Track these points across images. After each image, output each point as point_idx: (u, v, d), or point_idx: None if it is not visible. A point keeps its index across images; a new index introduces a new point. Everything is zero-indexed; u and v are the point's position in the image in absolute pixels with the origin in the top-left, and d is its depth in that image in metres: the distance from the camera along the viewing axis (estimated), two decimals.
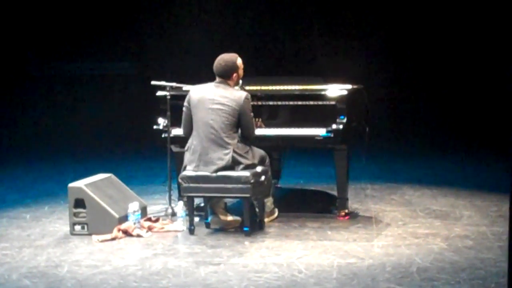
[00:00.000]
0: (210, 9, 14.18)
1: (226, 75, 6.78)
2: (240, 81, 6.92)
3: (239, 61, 6.85)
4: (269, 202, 7.14)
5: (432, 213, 7.45)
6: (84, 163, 10.52)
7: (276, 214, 7.27)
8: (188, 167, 6.75)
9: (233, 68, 6.80)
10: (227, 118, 6.66)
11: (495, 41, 12.97)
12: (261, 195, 6.86)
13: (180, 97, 7.08)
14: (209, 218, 6.96)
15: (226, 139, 6.65)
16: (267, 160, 6.96)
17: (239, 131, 6.76)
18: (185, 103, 6.86)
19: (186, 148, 6.85)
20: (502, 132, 7.27)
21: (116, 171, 7.76)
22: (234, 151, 6.64)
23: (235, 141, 6.69)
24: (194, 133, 6.78)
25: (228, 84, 6.79)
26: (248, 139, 6.80)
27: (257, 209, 6.89)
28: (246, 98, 6.72)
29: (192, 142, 6.79)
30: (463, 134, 12.92)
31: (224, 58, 6.81)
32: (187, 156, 6.80)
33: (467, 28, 13.45)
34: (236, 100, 6.68)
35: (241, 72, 6.88)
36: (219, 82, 6.80)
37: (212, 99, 6.70)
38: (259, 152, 6.88)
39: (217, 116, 6.66)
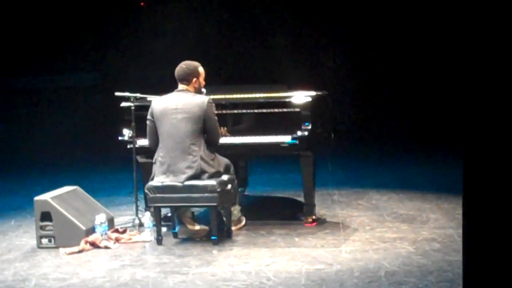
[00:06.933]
0: (173, 19, 14.17)
1: (187, 79, 6.76)
2: (204, 90, 6.91)
3: (201, 69, 6.84)
4: (236, 210, 7.13)
5: (399, 217, 7.49)
6: (49, 176, 10.47)
7: (243, 222, 7.27)
8: (156, 179, 6.72)
9: (194, 72, 6.78)
10: (193, 125, 6.62)
11: (455, 46, 13.09)
12: (228, 203, 6.85)
13: (144, 108, 7.04)
14: (177, 228, 6.94)
15: (193, 147, 6.62)
16: (232, 168, 6.95)
17: (205, 137, 6.74)
18: (148, 116, 6.82)
19: (153, 160, 6.81)
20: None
21: (82, 183, 7.74)
22: (202, 158, 6.63)
23: (202, 148, 6.66)
24: (160, 145, 6.74)
25: (189, 91, 6.78)
26: (213, 145, 6.78)
27: (224, 218, 6.89)
28: (209, 102, 6.70)
29: (159, 154, 6.75)
30: (428, 138, 13.04)
31: (186, 62, 6.82)
32: (155, 169, 6.77)
33: (430, 37, 13.58)
34: (199, 105, 6.66)
35: (201, 80, 6.85)
36: (180, 90, 6.78)
37: (175, 108, 6.67)
38: (224, 160, 6.86)
39: (182, 124, 6.63)
